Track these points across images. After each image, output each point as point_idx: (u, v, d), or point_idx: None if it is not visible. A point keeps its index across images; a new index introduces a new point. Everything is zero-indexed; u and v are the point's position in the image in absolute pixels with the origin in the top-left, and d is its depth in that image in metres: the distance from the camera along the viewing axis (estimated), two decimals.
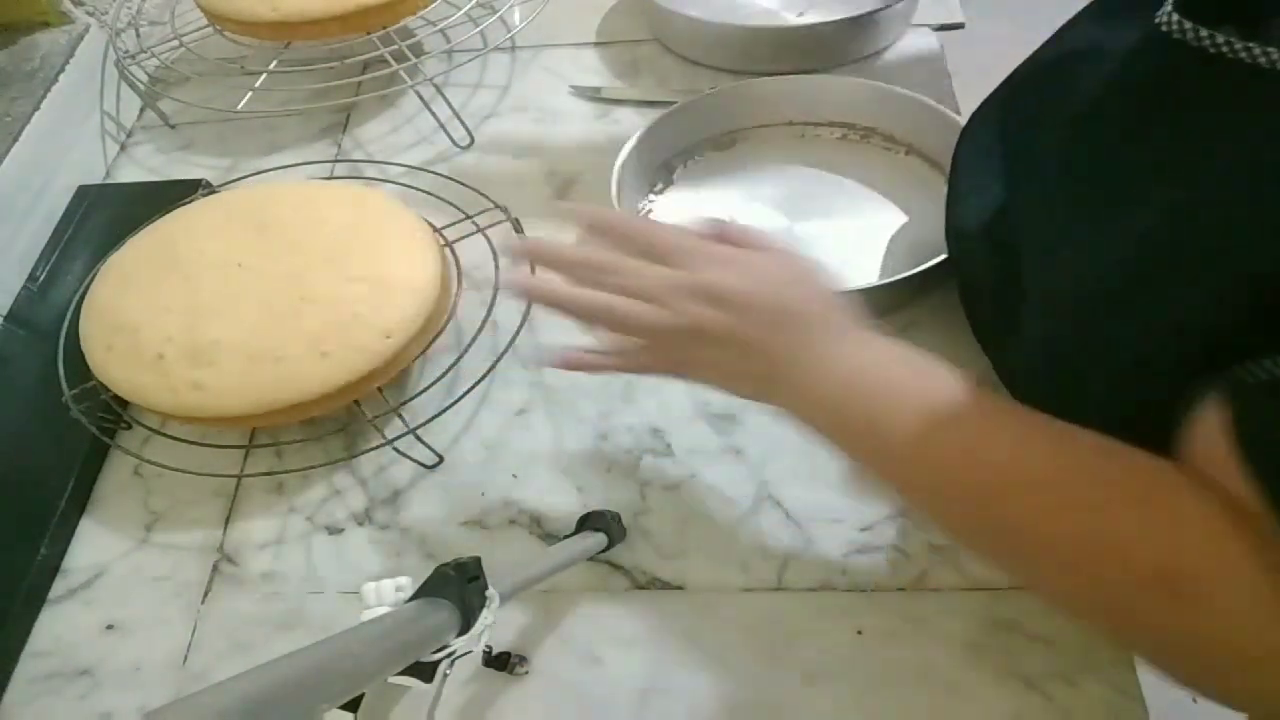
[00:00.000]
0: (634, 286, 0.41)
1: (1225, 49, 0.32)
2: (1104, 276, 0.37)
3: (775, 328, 0.39)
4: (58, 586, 0.51)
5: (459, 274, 0.60)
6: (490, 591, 0.32)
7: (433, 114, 0.72)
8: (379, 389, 0.53)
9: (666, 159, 0.67)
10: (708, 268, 0.41)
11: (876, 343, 0.40)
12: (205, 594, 0.50)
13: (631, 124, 0.70)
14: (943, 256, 0.54)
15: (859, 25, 0.71)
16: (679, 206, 0.65)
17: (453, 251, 0.60)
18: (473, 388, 0.55)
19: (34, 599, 0.50)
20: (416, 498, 0.53)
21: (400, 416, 0.53)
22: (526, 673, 0.45)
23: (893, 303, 0.57)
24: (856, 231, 0.62)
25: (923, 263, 0.57)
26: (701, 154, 0.68)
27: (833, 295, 0.41)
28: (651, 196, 0.66)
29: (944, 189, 0.62)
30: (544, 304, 0.43)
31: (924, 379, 0.38)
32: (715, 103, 0.66)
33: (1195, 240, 0.32)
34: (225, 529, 0.52)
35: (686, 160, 0.68)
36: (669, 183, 0.67)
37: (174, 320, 0.52)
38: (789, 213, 0.64)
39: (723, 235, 0.44)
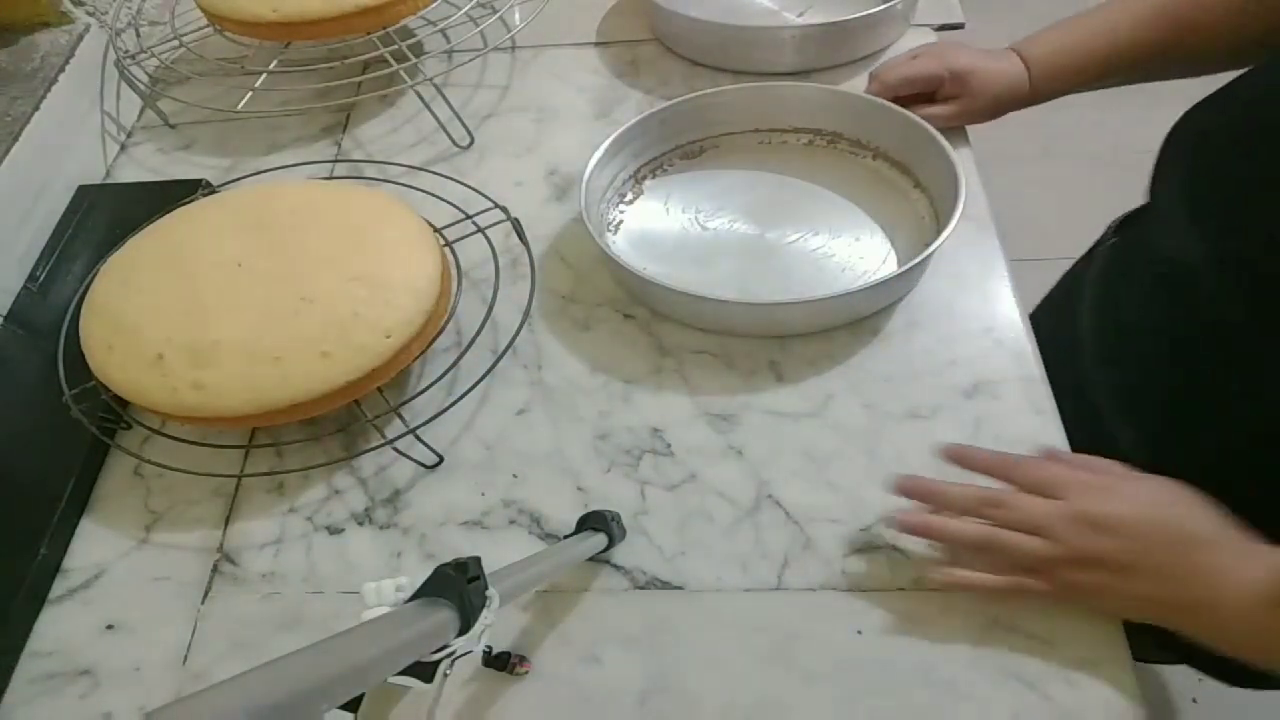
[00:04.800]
0: (1015, 519, 0.43)
1: None
2: None
3: (1163, 549, 0.41)
4: (58, 586, 0.51)
5: (459, 274, 0.60)
6: (490, 591, 0.32)
7: (433, 114, 0.72)
8: (379, 389, 0.53)
9: (636, 169, 0.67)
10: (1083, 495, 0.43)
11: None
12: (205, 594, 0.50)
13: None
14: (918, 260, 0.54)
15: (859, 25, 0.71)
16: (650, 216, 0.65)
17: (453, 251, 0.61)
18: (473, 388, 0.55)
19: (34, 599, 0.50)
20: (416, 498, 0.53)
21: (400, 416, 0.53)
22: (526, 673, 0.45)
23: (867, 307, 0.57)
24: (827, 237, 0.62)
25: (893, 266, 0.57)
26: (671, 163, 0.68)
27: (1216, 513, 0.42)
28: (622, 207, 0.66)
29: (910, 192, 0.63)
30: (933, 538, 0.46)
31: None
32: (681, 112, 0.66)
33: None
34: (225, 529, 0.52)
35: (656, 170, 0.68)
36: (639, 193, 0.67)
37: (174, 320, 0.52)
38: (759, 220, 0.64)
39: (1088, 464, 0.45)
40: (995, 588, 0.44)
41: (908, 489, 0.46)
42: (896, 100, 0.64)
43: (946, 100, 0.65)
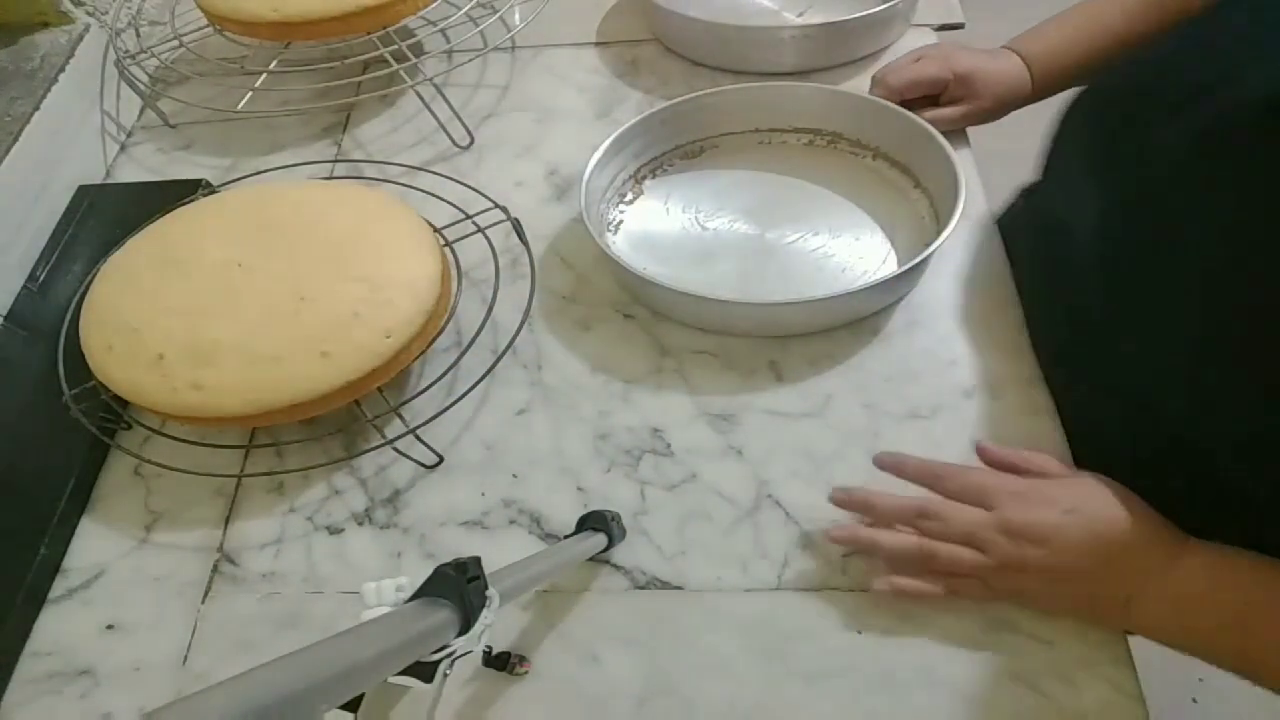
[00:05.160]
0: (945, 531, 0.44)
1: None
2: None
3: (1085, 555, 0.42)
4: (58, 586, 0.51)
5: (459, 274, 0.60)
6: (490, 591, 0.32)
7: (433, 114, 0.72)
8: (379, 389, 0.53)
9: (636, 169, 0.67)
10: (1011, 505, 0.44)
11: (1213, 558, 0.42)
12: (205, 594, 0.50)
13: None
14: (917, 259, 0.54)
15: (859, 25, 0.71)
16: (650, 216, 0.65)
17: (453, 251, 0.61)
18: (473, 388, 0.55)
19: (34, 599, 0.50)
20: (416, 498, 0.53)
21: (400, 416, 0.53)
22: (526, 673, 0.45)
23: (867, 307, 0.57)
24: (827, 237, 0.62)
25: (893, 266, 0.57)
26: (671, 163, 0.68)
27: (1140, 512, 0.43)
28: (622, 207, 0.66)
29: (910, 192, 0.63)
30: (868, 552, 0.47)
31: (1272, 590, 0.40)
32: (681, 112, 0.66)
33: None
34: (225, 529, 0.52)
35: (656, 170, 0.68)
36: (639, 193, 0.67)
37: (174, 320, 0.52)
38: (759, 221, 0.64)
39: (1018, 464, 0.46)
40: (932, 594, 0.45)
41: (843, 501, 0.47)
42: (901, 103, 0.64)
43: (952, 103, 0.65)
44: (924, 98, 0.66)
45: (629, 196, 0.66)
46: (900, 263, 0.59)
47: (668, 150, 0.68)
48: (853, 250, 0.61)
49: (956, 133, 0.66)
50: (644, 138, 0.66)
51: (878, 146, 0.65)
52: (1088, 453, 0.49)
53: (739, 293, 0.59)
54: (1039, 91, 0.64)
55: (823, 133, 0.67)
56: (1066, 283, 0.52)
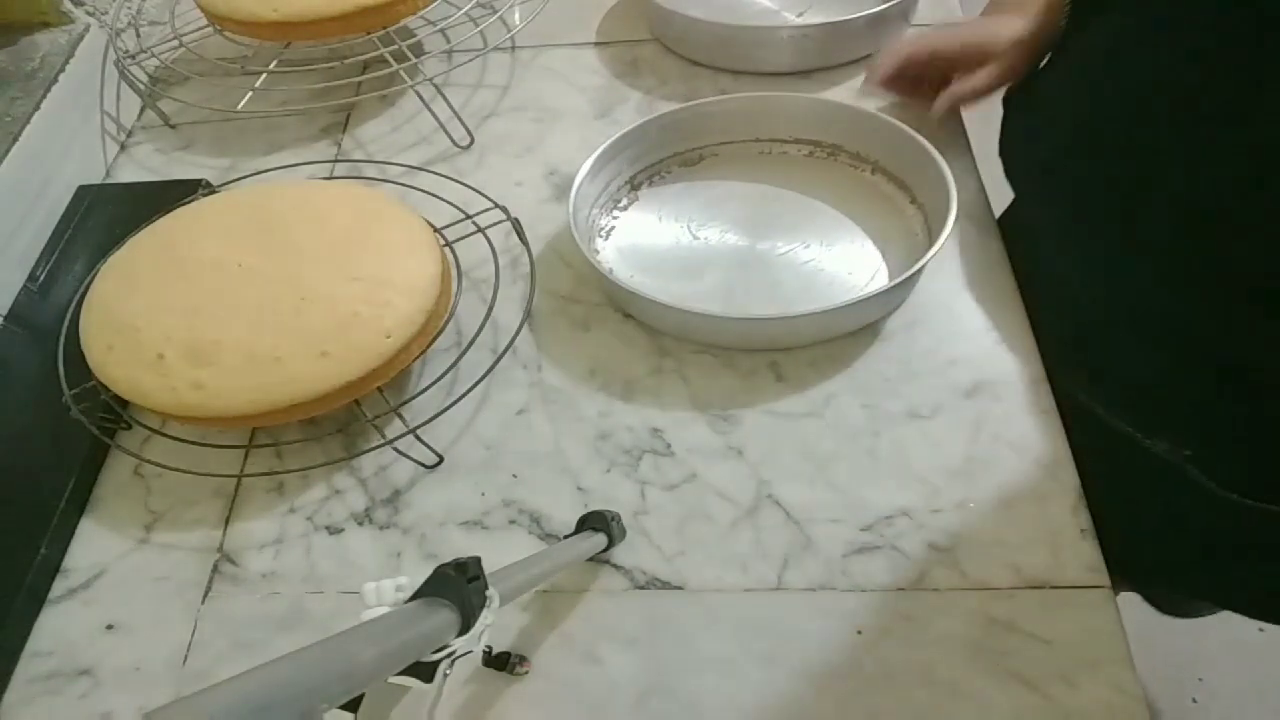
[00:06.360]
0: None
1: None
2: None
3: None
4: (58, 586, 0.51)
5: (459, 274, 0.60)
6: (490, 591, 0.32)
7: (433, 114, 0.72)
8: (379, 389, 0.53)
9: (632, 175, 0.66)
10: None
11: None
12: (205, 594, 0.50)
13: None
14: (900, 279, 0.53)
15: (859, 25, 0.71)
16: (643, 224, 0.64)
17: (453, 251, 0.61)
18: (473, 388, 0.55)
19: (34, 599, 0.50)
20: (416, 498, 0.53)
21: (400, 416, 0.53)
22: (526, 673, 0.45)
23: (851, 324, 0.57)
24: (819, 250, 0.61)
25: (883, 281, 0.57)
26: (668, 170, 0.67)
27: None
28: (616, 213, 0.65)
29: (906, 207, 0.63)
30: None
31: None
32: (681, 120, 0.65)
33: None
34: (225, 529, 0.52)
35: (653, 177, 0.67)
36: (634, 200, 0.66)
37: (174, 320, 0.52)
38: (751, 232, 0.63)
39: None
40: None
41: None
42: (913, 84, 0.63)
43: (974, 71, 0.62)
44: (941, 80, 0.64)
45: (623, 203, 0.66)
46: (891, 278, 0.58)
47: (665, 157, 0.67)
48: (843, 264, 0.60)
49: (958, 147, 0.66)
50: (641, 144, 0.65)
51: (877, 160, 0.65)
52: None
53: (726, 304, 0.59)
54: (1056, 18, 0.59)
55: (823, 144, 0.67)
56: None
